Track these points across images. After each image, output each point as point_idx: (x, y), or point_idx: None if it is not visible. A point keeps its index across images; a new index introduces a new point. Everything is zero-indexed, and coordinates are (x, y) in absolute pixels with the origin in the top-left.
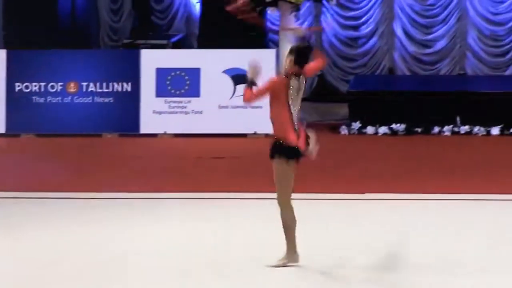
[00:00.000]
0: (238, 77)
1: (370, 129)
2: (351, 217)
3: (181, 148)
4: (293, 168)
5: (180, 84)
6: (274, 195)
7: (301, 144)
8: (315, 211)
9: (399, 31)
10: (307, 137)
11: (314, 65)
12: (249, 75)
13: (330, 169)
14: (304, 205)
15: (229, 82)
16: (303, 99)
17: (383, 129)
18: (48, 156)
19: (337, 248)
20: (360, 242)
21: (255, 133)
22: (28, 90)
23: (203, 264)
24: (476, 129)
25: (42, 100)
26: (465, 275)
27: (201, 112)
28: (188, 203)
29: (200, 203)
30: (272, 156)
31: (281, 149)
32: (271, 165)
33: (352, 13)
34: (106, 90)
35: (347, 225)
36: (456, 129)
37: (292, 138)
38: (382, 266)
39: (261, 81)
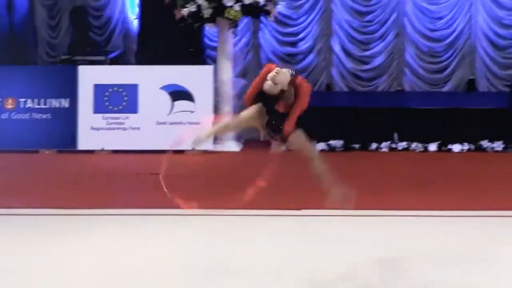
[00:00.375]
0: (176, 93)
1: None
2: (286, 233)
3: (119, 164)
4: None
5: (118, 100)
6: (212, 211)
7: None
8: (256, 227)
9: (337, 48)
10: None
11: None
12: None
13: (267, 185)
14: (244, 221)
15: (167, 98)
16: None
17: (321, 145)
18: None
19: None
20: (300, 258)
21: (193, 149)
22: None
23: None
24: (413, 145)
25: None
26: None
27: (138, 128)
28: (125, 220)
29: (137, 220)
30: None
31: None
32: (208, 180)
33: (290, 30)
34: (44, 107)
35: (285, 241)
36: (393, 145)
37: None
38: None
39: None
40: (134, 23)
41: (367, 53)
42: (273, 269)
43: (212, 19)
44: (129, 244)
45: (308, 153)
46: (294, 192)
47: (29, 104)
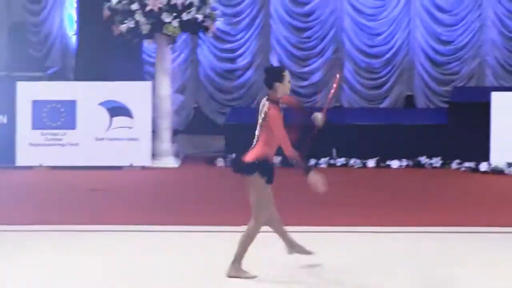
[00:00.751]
0: (114, 109)
1: None
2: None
3: (57, 180)
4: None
5: (56, 116)
6: (147, 227)
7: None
8: (195, 243)
9: (275, 64)
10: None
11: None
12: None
13: (206, 200)
14: (178, 237)
15: (106, 114)
16: (181, 131)
17: None
18: None
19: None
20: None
21: (131, 166)
22: None
23: None
24: (352, 161)
25: None
26: None
27: (77, 144)
28: (60, 236)
29: (72, 236)
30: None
31: (267, 171)
32: (143, 197)
33: (228, 46)
34: None
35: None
36: (332, 161)
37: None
38: None
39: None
40: (73, 39)
41: (306, 69)
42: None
43: (150, 35)
44: (66, 259)
45: (255, 212)
46: (233, 207)
47: None
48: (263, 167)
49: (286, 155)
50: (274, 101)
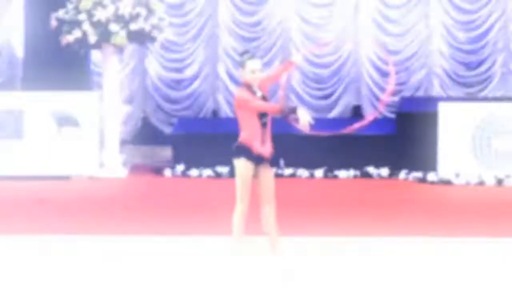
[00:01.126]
0: (62, 119)
1: (194, 172)
2: (177, 258)
3: (3, 190)
4: (250, 173)
5: (4, 126)
6: (95, 237)
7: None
8: (143, 252)
9: (223, 73)
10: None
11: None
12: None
13: (153, 210)
14: (125, 246)
15: (53, 124)
16: (129, 141)
17: (207, 172)
18: None
19: None
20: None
21: (78, 175)
22: None
23: None
24: (299, 171)
25: None
26: None
27: (24, 154)
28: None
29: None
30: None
31: (243, 151)
32: (93, 207)
33: (176, 56)
34: None
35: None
36: (280, 171)
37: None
38: None
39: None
40: (20, 49)
41: None
42: None
43: (98, 45)
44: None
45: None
46: (181, 216)
47: None
48: (237, 149)
49: (275, 113)
50: (244, 85)
